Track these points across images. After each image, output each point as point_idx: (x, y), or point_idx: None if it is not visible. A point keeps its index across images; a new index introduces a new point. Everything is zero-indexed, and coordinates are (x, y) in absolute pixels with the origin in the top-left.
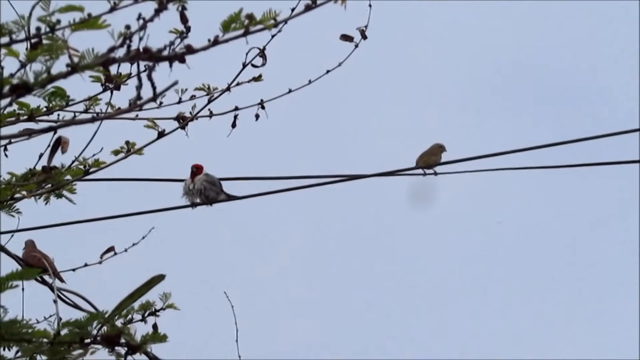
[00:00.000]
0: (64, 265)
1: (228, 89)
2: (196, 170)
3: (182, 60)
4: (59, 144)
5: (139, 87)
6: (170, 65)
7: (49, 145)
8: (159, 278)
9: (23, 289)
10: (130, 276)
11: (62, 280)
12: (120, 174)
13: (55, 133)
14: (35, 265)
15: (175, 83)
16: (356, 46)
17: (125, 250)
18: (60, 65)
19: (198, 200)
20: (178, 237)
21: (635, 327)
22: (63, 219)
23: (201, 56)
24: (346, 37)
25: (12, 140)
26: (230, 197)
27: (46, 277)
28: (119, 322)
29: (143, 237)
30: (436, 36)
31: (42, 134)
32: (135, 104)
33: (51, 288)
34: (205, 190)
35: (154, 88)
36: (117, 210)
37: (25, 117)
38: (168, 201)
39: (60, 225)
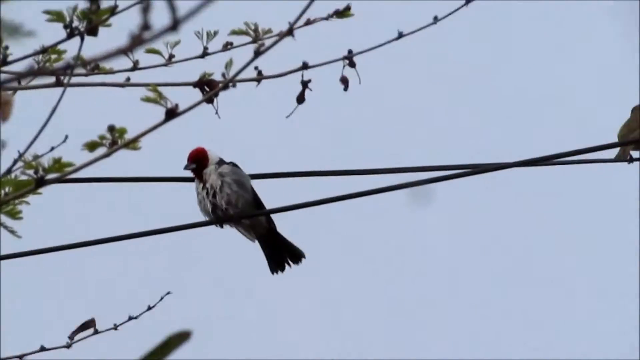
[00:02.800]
0: None
1: (290, 32)
2: (197, 159)
3: None
4: None
5: (145, 10)
6: None
7: None
8: (182, 337)
9: None
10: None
11: None
12: (100, 173)
13: None
14: None
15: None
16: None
17: (136, 317)
18: None
19: (221, 206)
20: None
21: (635, 327)
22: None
23: None
24: None
25: None
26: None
27: None
28: None
29: (161, 298)
30: None
31: None
32: (140, 39)
33: None
34: (227, 188)
35: (173, 10)
36: (92, 226)
37: None
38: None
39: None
